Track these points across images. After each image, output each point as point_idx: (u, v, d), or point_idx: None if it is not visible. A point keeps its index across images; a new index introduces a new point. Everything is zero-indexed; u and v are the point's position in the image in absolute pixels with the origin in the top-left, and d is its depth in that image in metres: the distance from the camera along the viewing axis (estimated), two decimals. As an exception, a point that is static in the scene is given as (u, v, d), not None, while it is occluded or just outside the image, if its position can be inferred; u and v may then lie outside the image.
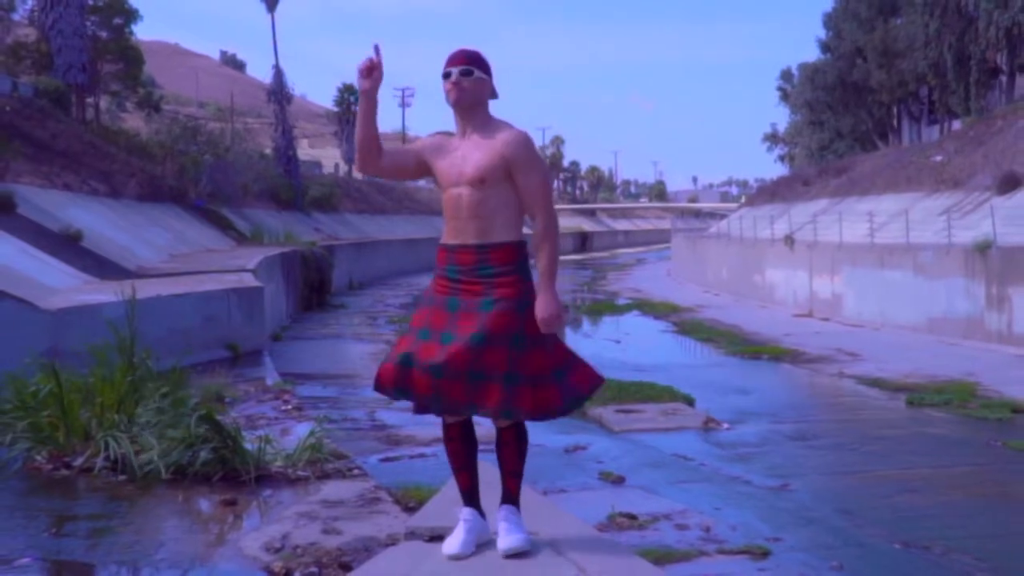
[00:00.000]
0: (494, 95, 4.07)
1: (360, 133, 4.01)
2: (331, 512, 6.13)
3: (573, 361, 4.02)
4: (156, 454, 6.84)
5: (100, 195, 24.49)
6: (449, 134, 4.12)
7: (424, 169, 4.14)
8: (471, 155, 3.95)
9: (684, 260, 43.42)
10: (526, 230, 3.99)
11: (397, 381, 3.92)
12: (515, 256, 3.96)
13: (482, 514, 4.12)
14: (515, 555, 3.92)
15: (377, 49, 3.95)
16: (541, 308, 3.86)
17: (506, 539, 3.97)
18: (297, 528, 5.83)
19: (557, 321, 3.87)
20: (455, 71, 3.96)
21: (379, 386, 4.01)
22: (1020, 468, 10.13)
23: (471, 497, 4.11)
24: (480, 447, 4.21)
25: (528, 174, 3.96)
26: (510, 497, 4.08)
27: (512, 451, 4.05)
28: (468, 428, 4.11)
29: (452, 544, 3.99)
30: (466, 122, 4.01)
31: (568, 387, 3.95)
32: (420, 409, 4.05)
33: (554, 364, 3.92)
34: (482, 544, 4.06)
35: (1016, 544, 7.74)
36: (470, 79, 3.96)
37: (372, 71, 3.94)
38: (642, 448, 10.79)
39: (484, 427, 4.09)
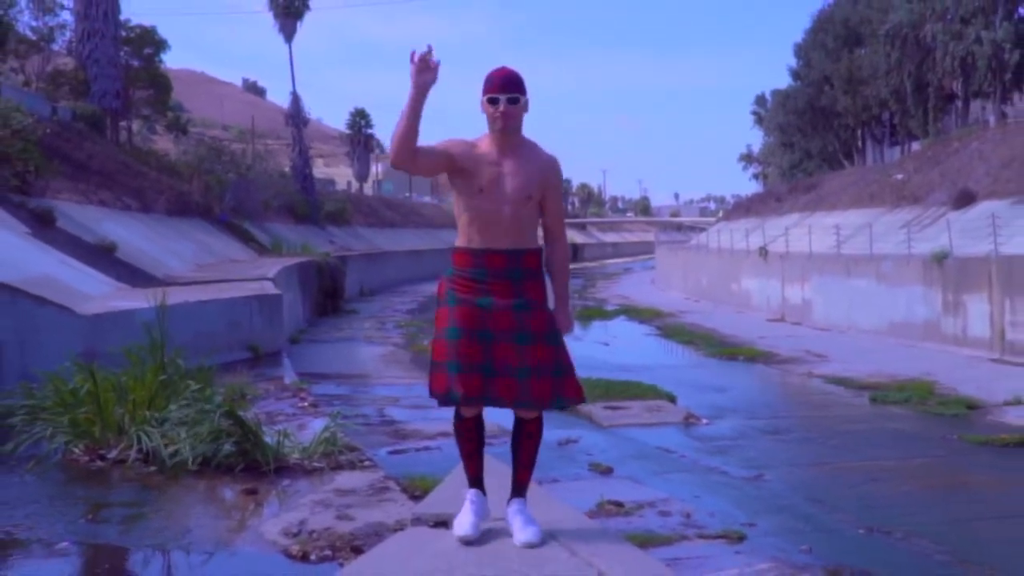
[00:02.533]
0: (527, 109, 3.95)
1: (406, 127, 3.73)
2: (344, 500, 6.13)
3: None
4: (184, 447, 6.85)
5: (132, 210, 24.48)
6: (470, 143, 3.96)
7: (448, 168, 3.93)
8: (517, 173, 3.87)
9: (667, 270, 43.46)
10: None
11: (450, 385, 3.85)
12: (539, 261, 3.99)
13: (485, 493, 4.09)
14: (532, 547, 3.88)
15: (431, 48, 3.73)
16: (565, 323, 4.00)
17: (524, 532, 3.92)
18: (313, 515, 5.83)
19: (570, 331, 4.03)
20: (503, 99, 3.83)
21: (437, 399, 3.95)
22: (974, 460, 10.14)
23: (478, 480, 4.08)
24: (487, 440, 4.21)
25: (556, 197, 4.03)
26: (522, 490, 4.05)
27: (534, 443, 4.03)
28: (480, 420, 4.08)
29: (463, 526, 3.95)
30: (505, 141, 3.89)
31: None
32: (458, 403, 3.91)
33: (569, 356, 4.00)
34: (485, 524, 4.04)
35: (970, 529, 7.75)
36: (516, 106, 3.86)
37: (427, 68, 3.70)
38: (628, 442, 10.79)
39: (486, 422, 4.08)
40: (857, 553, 7.04)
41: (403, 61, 3.77)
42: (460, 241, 3.96)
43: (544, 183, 3.94)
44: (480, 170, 3.88)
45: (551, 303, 4.01)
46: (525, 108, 3.92)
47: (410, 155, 3.81)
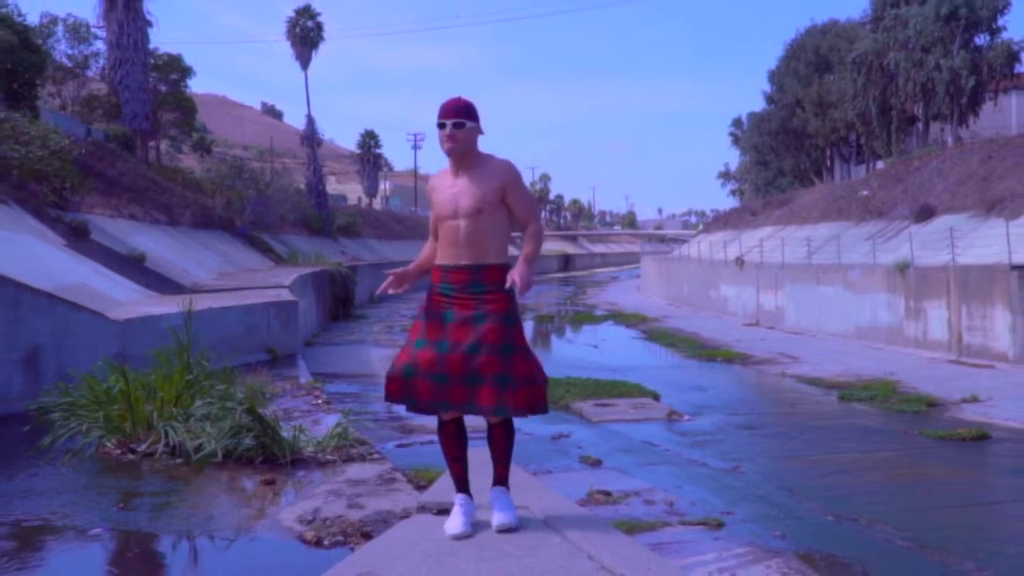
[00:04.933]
0: (480, 132, 3.93)
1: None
2: (355, 490, 6.15)
3: (540, 367, 3.93)
4: (208, 441, 6.86)
5: (160, 223, 24.49)
6: (439, 175, 4.00)
7: None
8: (466, 191, 3.83)
9: (651, 278, 43.46)
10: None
11: (404, 390, 3.86)
12: (503, 277, 3.85)
13: (471, 496, 4.05)
14: (506, 530, 3.90)
15: (389, 280, 3.93)
16: (519, 273, 3.73)
17: (499, 516, 3.92)
18: (326, 503, 5.84)
19: (528, 287, 3.74)
20: (449, 123, 3.82)
21: (389, 397, 3.94)
22: (933, 453, 10.16)
23: (463, 484, 4.03)
24: (472, 436, 4.20)
25: (518, 192, 3.90)
26: (501, 480, 4.02)
27: (502, 443, 3.98)
28: (461, 424, 4.02)
29: (454, 525, 3.91)
30: (458, 164, 3.88)
31: (544, 388, 3.89)
32: (417, 409, 3.93)
33: (534, 369, 3.84)
34: (475, 523, 4.00)
35: (929, 516, 7.76)
36: (463, 130, 3.82)
37: (401, 283, 3.93)
38: (616, 436, 10.80)
39: (476, 419, 4.08)
40: (826, 538, 7.05)
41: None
42: (436, 259, 3.97)
43: (500, 189, 3.86)
44: (441, 196, 3.91)
45: (516, 270, 3.79)
46: (473, 134, 3.88)
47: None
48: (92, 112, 33.36)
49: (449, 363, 3.77)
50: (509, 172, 3.91)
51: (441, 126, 3.85)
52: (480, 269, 3.85)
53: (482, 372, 3.75)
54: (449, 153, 3.86)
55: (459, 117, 3.84)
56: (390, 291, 3.96)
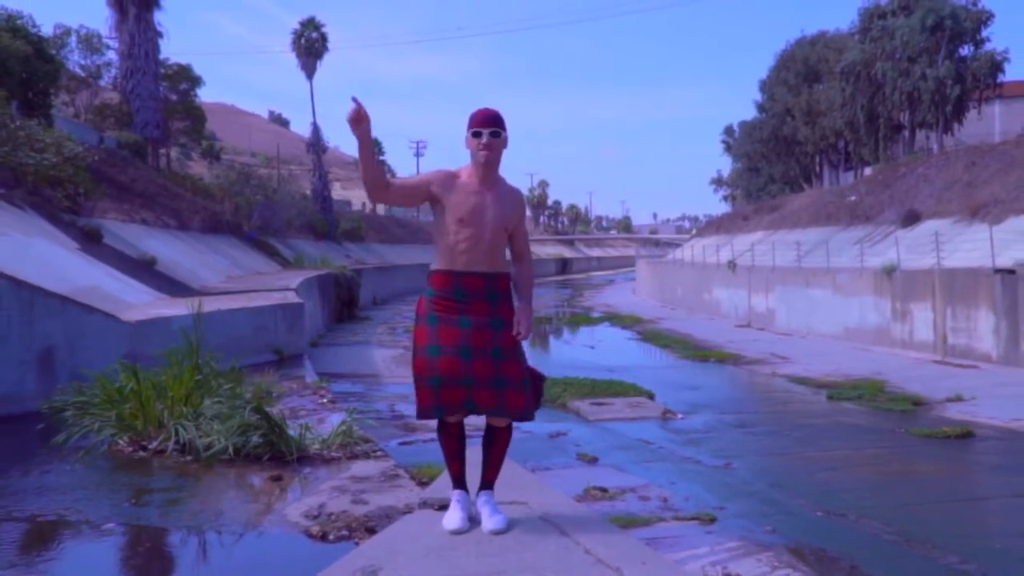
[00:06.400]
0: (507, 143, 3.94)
1: (366, 173, 3.78)
2: (359, 486, 6.14)
3: None
4: (217, 439, 6.86)
5: (171, 228, 24.48)
6: (451, 173, 3.93)
7: (427, 198, 3.92)
8: (497, 205, 3.85)
9: (646, 281, 43.48)
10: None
11: (435, 400, 3.84)
12: (509, 284, 3.97)
13: (468, 492, 4.08)
14: (500, 532, 3.90)
15: (355, 99, 3.59)
16: (526, 323, 3.89)
17: (491, 520, 3.93)
18: (331, 499, 5.84)
19: (529, 333, 3.93)
20: (486, 132, 3.81)
21: (423, 415, 3.92)
22: (919, 450, 10.16)
23: (461, 481, 4.06)
24: (468, 435, 4.21)
25: (523, 223, 4.03)
26: (489, 484, 4.04)
27: (503, 446, 4.02)
28: (462, 426, 4.05)
29: (452, 521, 3.94)
30: (487, 173, 3.87)
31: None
32: (446, 413, 3.91)
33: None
34: (472, 517, 4.03)
35: (916, 511, 7.77)
36: (498, 140, 3.84)
37: (360, 119, 3.59)
38: (612, 434, 10.80)
39: (470, 421, 4.07)
40: (815, 533, 7.06)
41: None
42: (440, 264, 3.89)
43: (516, 215, 3.94)
44: (462, 200, 3.84)
45: (517, 309, 3.95)
46: (504, 143, 3.89)
47: (382, 189, 3.84)
48: (104, 120, 33.35)
49: (476, 368, 3.79)
50: (524, 202, 4.05)
51: (477, 135, 3.83)
52: (495, 277, 3.90)
53: (508, 376, 3.82)
54: (485, 161, 3.84)
55: (495, 126, 3.85)
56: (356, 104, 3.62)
